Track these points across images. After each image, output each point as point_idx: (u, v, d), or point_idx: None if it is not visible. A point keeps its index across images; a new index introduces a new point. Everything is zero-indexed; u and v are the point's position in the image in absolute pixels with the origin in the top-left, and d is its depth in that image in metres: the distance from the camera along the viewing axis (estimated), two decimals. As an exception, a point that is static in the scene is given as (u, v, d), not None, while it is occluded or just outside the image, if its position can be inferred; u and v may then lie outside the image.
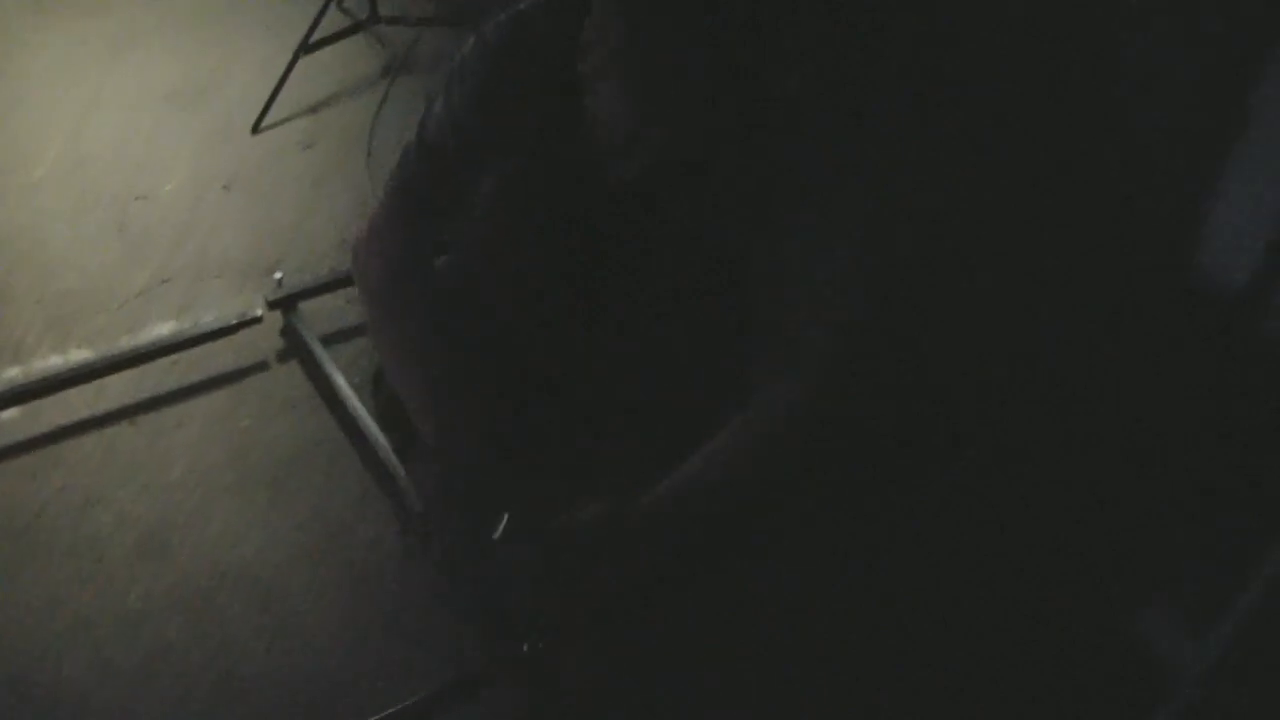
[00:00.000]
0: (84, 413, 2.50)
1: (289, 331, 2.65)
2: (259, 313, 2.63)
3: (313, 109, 3.28)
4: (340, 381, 2.51)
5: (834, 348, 1.59)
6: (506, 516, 1.65)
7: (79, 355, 2.59)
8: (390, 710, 1.98)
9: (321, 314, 2.69)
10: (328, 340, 2.63)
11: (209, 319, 2.64)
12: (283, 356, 2.64)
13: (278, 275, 2.66)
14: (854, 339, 1.61)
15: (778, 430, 1.59)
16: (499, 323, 1.88)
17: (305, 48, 3.17)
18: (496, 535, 1.65)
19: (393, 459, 2.33)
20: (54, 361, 2.58)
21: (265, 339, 2.65)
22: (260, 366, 2.61)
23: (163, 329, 2.65)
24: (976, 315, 2.31)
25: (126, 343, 2.61)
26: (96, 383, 2.54)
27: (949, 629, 2.06)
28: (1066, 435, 2.35)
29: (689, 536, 1.65)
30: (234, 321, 2.61)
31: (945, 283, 2.19)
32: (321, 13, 3.18)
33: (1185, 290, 2.66)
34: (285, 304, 2.65)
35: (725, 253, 1.67)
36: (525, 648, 1.88)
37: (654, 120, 1.58)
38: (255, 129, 3.20)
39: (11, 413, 2.47)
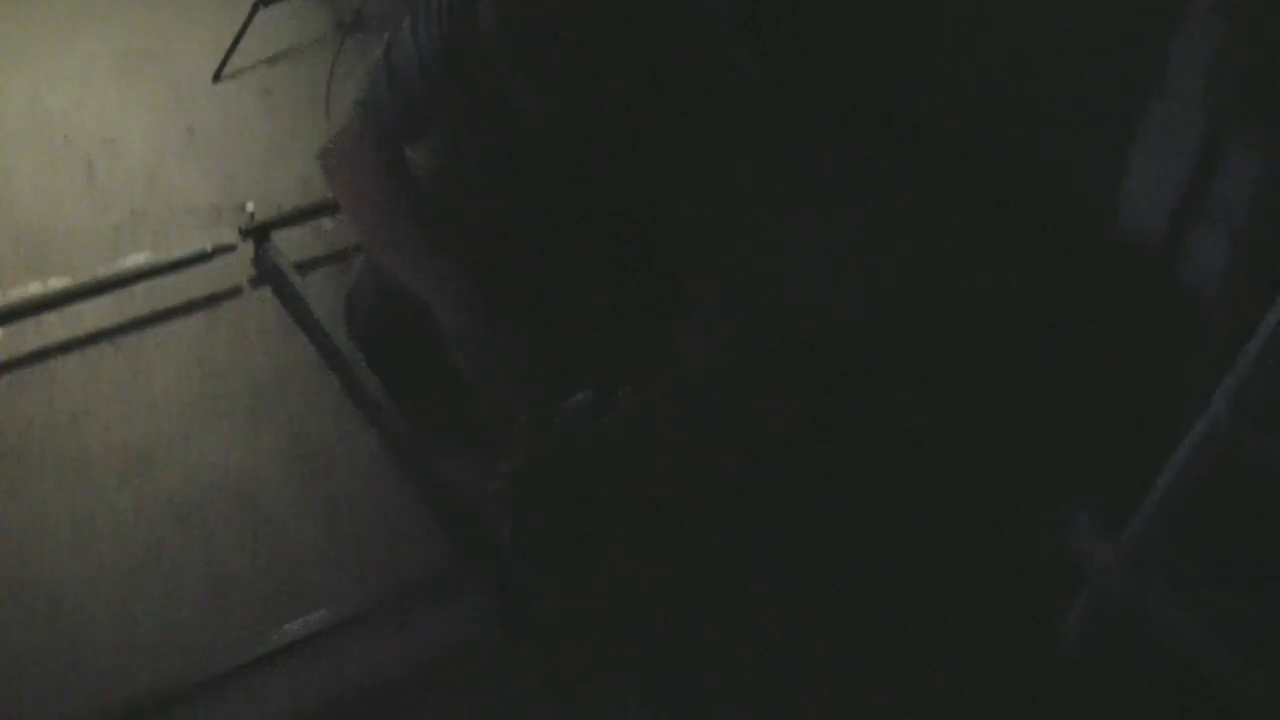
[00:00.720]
0: (65, 336, 2.60)
1: (261, 260, 2.77)
2: (232, 241, 2.74)
3: (270, 60, 3.42)
4: (313, 305, 2.63)
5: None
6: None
7: (58, 282, 2.68)
8: (367, 604, 2.11)
9: (292, 243, 2.81)
10: (299, 268, 2.74)
11: (182, 250, 2.74)
12: (255, 283, 2.75)
13: (249, 206, 2.77)
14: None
15: (713, 343, 1.98)
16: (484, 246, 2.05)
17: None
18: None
19: (365, 374, 2.46)
20: (32, 286, 2.66)
21: (237, 267, 2.77)
22: (233, 293, 2.74)
23: (138, 260, 2.75)
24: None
25: (103, 270, 2.69)
26: (76, 310, 2.64)
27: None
28: (1006, 371, 2.55)
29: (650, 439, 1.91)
30: (209, 249, 2.71)
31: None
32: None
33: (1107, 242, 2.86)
34: (257, 233, 2.77)
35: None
36: (500, 541, 2.04)
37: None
38: (216, 78, 3.32)
39: (-5, 336, 2.57)
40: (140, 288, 2.70)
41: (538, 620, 2.15)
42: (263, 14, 3.34)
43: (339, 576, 2.22)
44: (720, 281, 2.03)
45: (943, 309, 2.87)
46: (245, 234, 2.76)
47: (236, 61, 3.35)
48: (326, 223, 2.88)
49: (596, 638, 2.17)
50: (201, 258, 2.72)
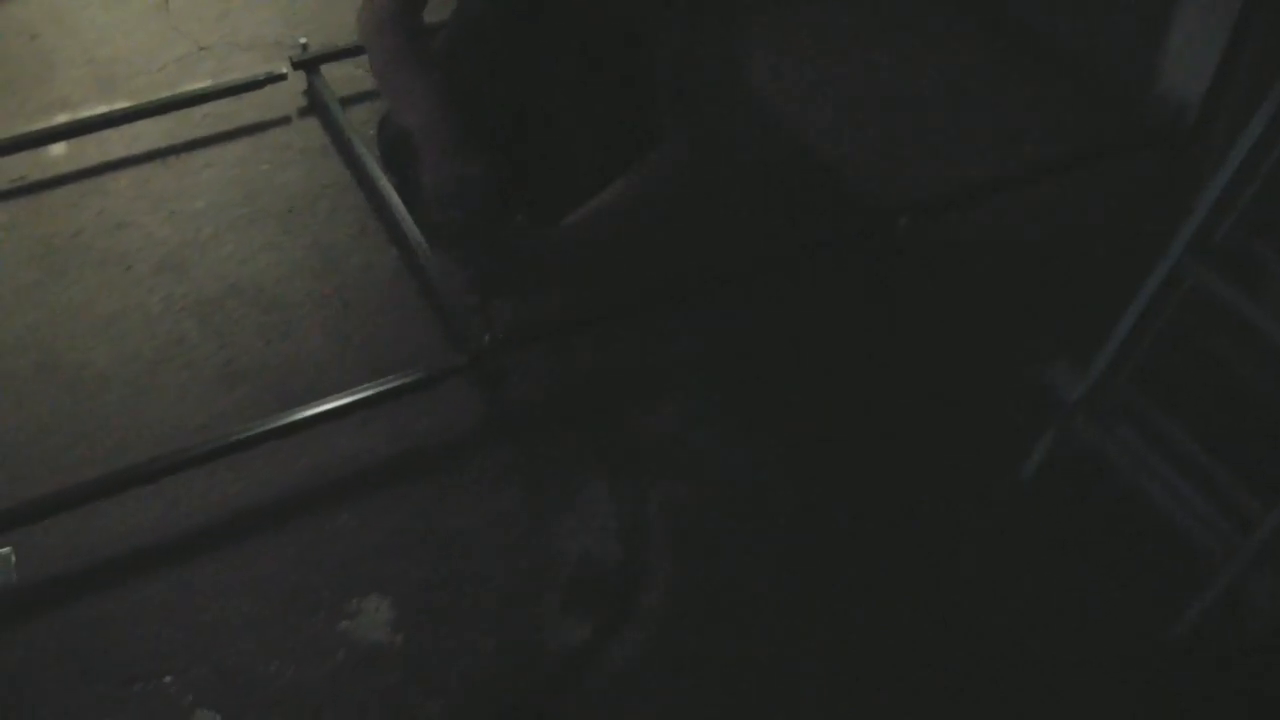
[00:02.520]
0: (122, 153, 2.80)
1: (310, 92, 2.93)
2: (284, 70, 2.90)
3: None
4: (352, 135, 2.78)
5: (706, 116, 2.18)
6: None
7: (121, 104, 2.87)
8: (362, 386, 2.27)
9: (342, 80, 2.96)
10: (345, 101, 2.90)
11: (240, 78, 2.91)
12: (303, 113, 2.91)
13: (303, 40, 2.92)
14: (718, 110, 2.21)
15: (662, 173, 2.16)
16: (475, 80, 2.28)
17: None
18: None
19: (392, 197, 2.61)
20: (99, 108, 2.86)
21: (289, 99, 2.93)
22: (282, 121, 2.90)
23: (196, 85, 2.92)
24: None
25: (163, 95, 2.88)
26: (134, 129, 2.83)
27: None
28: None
29: (597, 238, 2.13)
30: (261, 77, 2.87)
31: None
32: None
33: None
34: (308, 66, 2.92)
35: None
36: (486, 337, 2.18)
37: None
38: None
39: (59, 149, 2.77)
40: (195, 112, 2.87)
41: (514, 412, 2.29)
42: None
43: (344, 370, 2.39)
44: (695, 105, 2.15)
45: (941, 138, 2.93)
46: (297, 65, 2.91)
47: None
48: (377, 61, 2.99)
49: (567, 426, 2.30)
50: (254, 84, 2.88)
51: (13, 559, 2.02)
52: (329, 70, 2.92)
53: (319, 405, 2.20)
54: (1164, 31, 2.96)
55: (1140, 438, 2.20)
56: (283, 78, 2.88)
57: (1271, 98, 1.92)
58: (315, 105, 2.90)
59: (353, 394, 2.23)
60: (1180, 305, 2.11)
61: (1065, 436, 2.23)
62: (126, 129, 2.81)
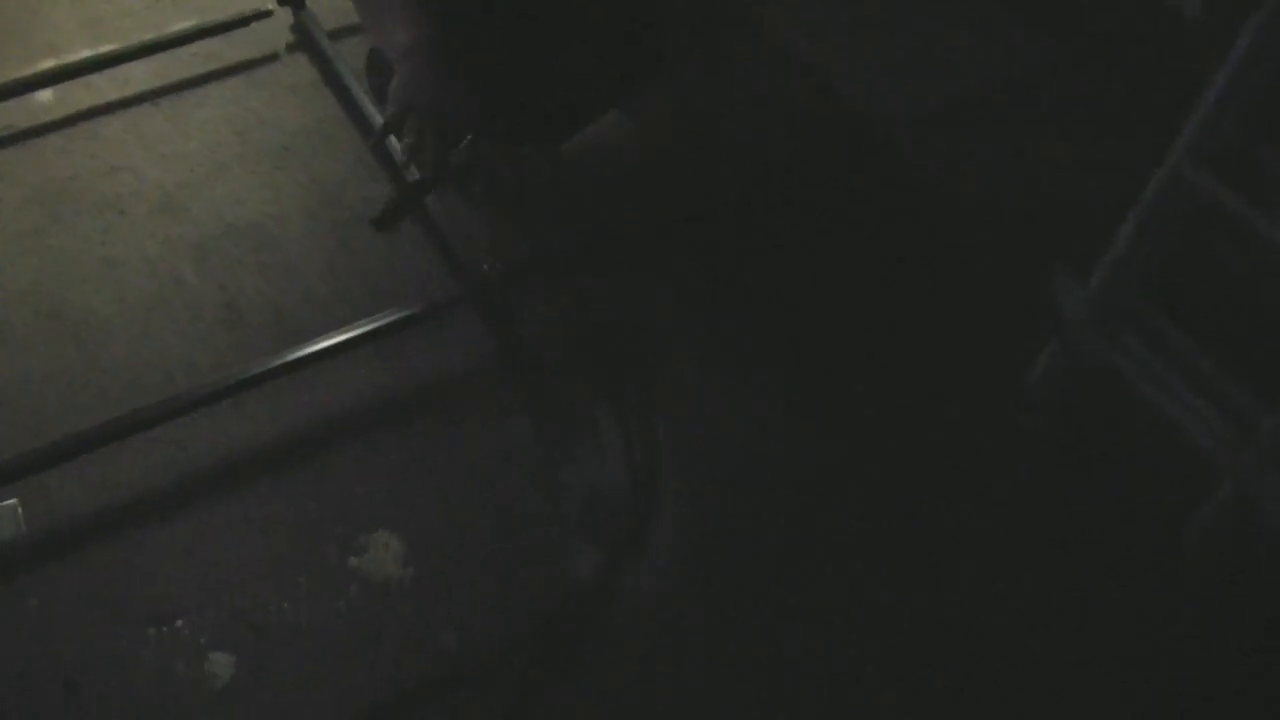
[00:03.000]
0: (111, 97, 2.77)
1: (298, 27, 2.90)
2: (270, 6, 2.86)
3: None
4: (342, 69, 2.75)
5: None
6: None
7: (107, 48, 2.84)
8: (364, 320, 2.26)
9: (328, 12, 2.92)
10: (334, 34, 2.86)
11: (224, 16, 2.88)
12: (291, 49, 2.89)
13: (288, -25, 2.88)
14: None
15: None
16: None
17: None
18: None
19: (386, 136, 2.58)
20: (84, 52, 2.83)
21: (277, 34, 2.90)
22: (271, 58, 2.87)
23: (183, 25, 2.89)
24: None
25: (150, 36, 2.85)
26: (123, 72, 2.80)
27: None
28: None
29: None
30: (247, 14, 2.84)
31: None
32: None
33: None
34: (294, 1, 2.88)
35: None
36: (485, 267, 2.16)
37: None
38: None
39: (46, 95, 2.75)
40: (183, 53, 2.84)
41: (520, 347, 2.29)
42: None
43: (345, 307, 2.38)
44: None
45: (948, 54, 2.90)
46: (283, 2, 2.86)
47: None
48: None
49: (574, 361, 2.29)
50: (240, 22, 2.84)
51: (19, 510, 2.02)
52: (316, 4, 2.89)
53: (320, 342, 2.20)
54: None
55: (1145, 347, 2.19)
56: (268, 14, 2.86)
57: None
58: (303, 40, 2.88)
59: (354, 329, 2.23)
60: (1183, 212, 2.08)
61: (1070, 348, 2.22)
62: (114, 72, 2.79)
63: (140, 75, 2.78)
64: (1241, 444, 2.00)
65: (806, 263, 2.47)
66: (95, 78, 2.76)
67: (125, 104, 2.74)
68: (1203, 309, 2.29)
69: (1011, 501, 2.16)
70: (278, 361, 2.17)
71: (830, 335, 2.35)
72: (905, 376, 2.30)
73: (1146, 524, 2.11)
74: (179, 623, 1.94)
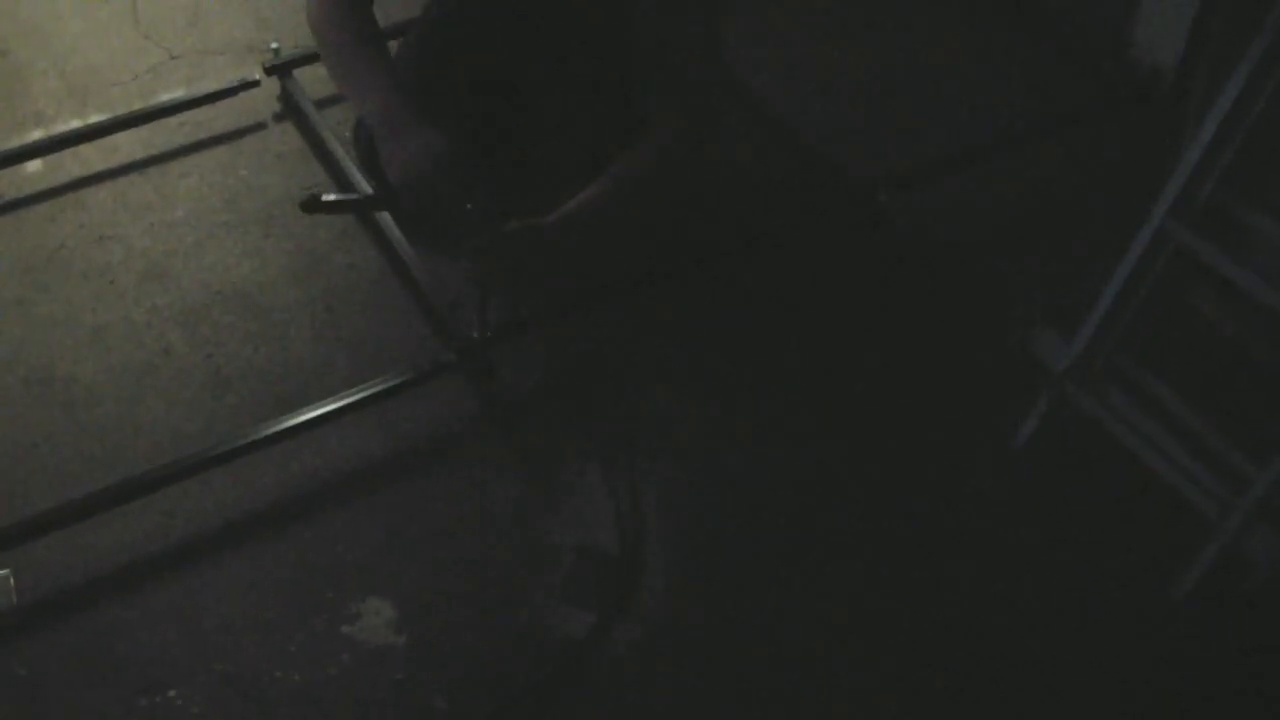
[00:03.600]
0: (99, 167, 2.78)
1: (285, 97, 2.92)
2: (257, 77, 2.89)
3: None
4: (328, 137, 2.78)
5: (691, 105, 2.27)
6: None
7: (95, 118, 2.86)
8: (353, 390, 2.27)
9: (316, 82, 2.95)
10: (320, 104, 2.89)
11: (211, 86, 2.90)
12: (278, 118, 2.91)
13: (274, 45, 2.92)
14: (702, 99, 2.31)
15: (655, 158, 2.24)
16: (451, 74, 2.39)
17: None
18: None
19: (373, 203, 2.60)
20: (73, 123, 2.85)
21: (263, 103, 2.93)
22: (258, 127, 2.89)
23: (171, 97, 2.91)
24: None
25: (137, 106, 2.87)
26: (111, 141, 2.82)
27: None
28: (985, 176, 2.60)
29: (589, 229, 2.18)
30: (234, 84, 2.87)
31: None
32: None
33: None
34: (281, 70, 2.91)
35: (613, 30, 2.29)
36: (475, 335, 2.18)
37: None
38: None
39: (35, 165, 2.76)
40: (171, 122, 2.87)
41: (506, 405, 2.30)
42: None
43: (333, 373, 2.39)
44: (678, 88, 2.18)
45: (924, 111, 2.94)
46: (270, 70, 2.89)
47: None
48: (351, 62, 2.98)
49: (560, 418, 2.30)
50: (227, 93, 2.87)
51: (11, 580, 2.02)
52: (303, 73, 2.91)
53: (310, 411, 2.21)
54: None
55: (1131, 402, 2.21)
56: (256, 84, 2.87)
57: (1248, 57, 1.93)
58: (290, 109, 2.90)
59: (343, 398, 2.23)
60: (1166, 268, 2.11)
61: (1056, 404, 2.23)
62: (102, 142, 2.80)
63: (127, 144, 2.80)
64: (1230, 498, 2.01)
65: (783, 319, 2.49)
66: (83, 147, 2.78)
67: (113, 174, 2.76)
68: (1189, 364, 2.31)
69: (1011, 502, 2.19)
70: (266, 431, 2.17)
71: (813, 397, 2.36)
72: (891, 438, 2.31)
73: (1137, 580, 2.11)
74: (171, 692, 1.93)
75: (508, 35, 2.32)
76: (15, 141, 2.78)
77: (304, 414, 2.20)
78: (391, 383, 2.26)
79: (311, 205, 2.13)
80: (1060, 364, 2.21)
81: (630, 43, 2.27)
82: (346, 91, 2.28)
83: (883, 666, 2.03)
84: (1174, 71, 2.95)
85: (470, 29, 2.35)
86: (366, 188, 2.58)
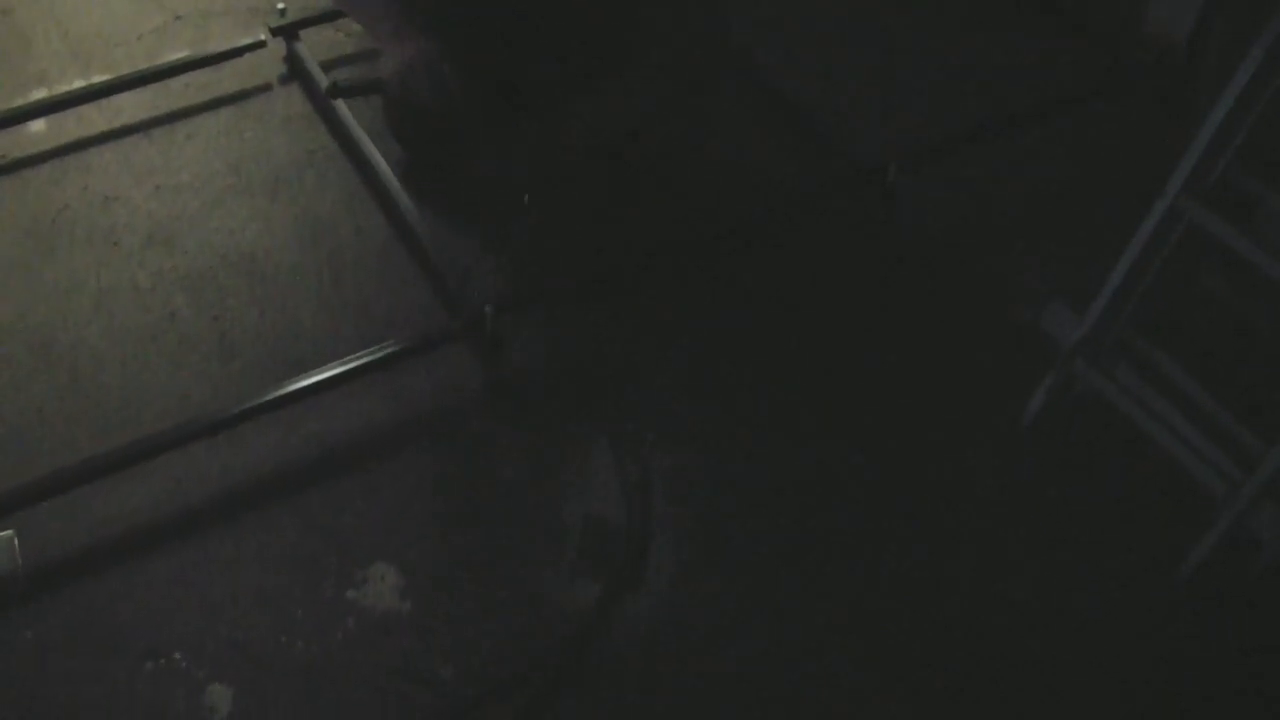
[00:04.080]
0: (103, 127, 2.76)
1: (291, 58, 2.90)
2: (263, 38, 2.86)
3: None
4: (336, 101, 2.75)
5: None
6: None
7: (99, 80, 2.83)
8: (360, 353, 2.25)
9: (321, 44, 2.93)
10: (326, 65, 2.87)
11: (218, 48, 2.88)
12: (284, 80, 2.88)
13: (280, 5, 2.89)
14: None
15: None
16: None
17: None
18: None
19: (380, 163, 2.59)
20: (76, 84, 2.82)
21: (269, 65, 2.90)
22: (264, 89, 2.87)
23: (176, 57, 2.89)
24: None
25: (141, 67, 2.84)
26: (115, 103, 2.80)
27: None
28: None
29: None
30: (240, 46, 2.84)
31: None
32: None
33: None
34: (287, 32, 2.89)
35: None
36: (486, 309, 2.16)
37: None
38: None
39: (39, 125, 2.74)
40: (175, 83, 2.84)
41: (514, 378, 2.29)
42: None
43: (339, 338, 2.38)
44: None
45: (932, 90, 2.92)
46: (275, 32, 2.87)
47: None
48: (356, 24, 2.97)
49: (567, 395, 2.29)
50: (233, 53, 2.85)
51: (16, 542, 2.00)
52: (308, 35, 2.89)
53: (315, 375, 2.19)
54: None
55: (1140, 379, 2.21)
56: (262, 45, 2.85)
57: (1269, 32, 1.91)
58: (296, 71, 2.88)
59: (347, 362, 2.22)
60: (1178, 245, 2.10)
61: (1065, 380, 2.23)
62: (106, 103, 2.78)
63: (132, 106, 2.78)
64: (1238, 477, 2.01)
65: (791, 297, 2.48)
66: (87, 108, 2.76)
67: (117, 135, 2.74)
68: (1199, 342, 2.30)
69: (1011, 502, 2.18)
70: (272, 395, 2.16)
71: (821, 371, 2.36)
72: (901, 411, 2.31)
73: (1144, 558, 2.11)
74: (176, 655, 1.93)
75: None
76: (18, 101, 2.74)
77: (309, 377, 2.19)
78: (397, 348, 2.25)
79: (334, 91, 2.42)
80: (1070, 339, 2.20)
81: None
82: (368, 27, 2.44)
83: (883, 666, 2.02)
84: (1186, 47, 2.92)
85: None
86: (374, 151, 2.57)
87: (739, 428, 2.28)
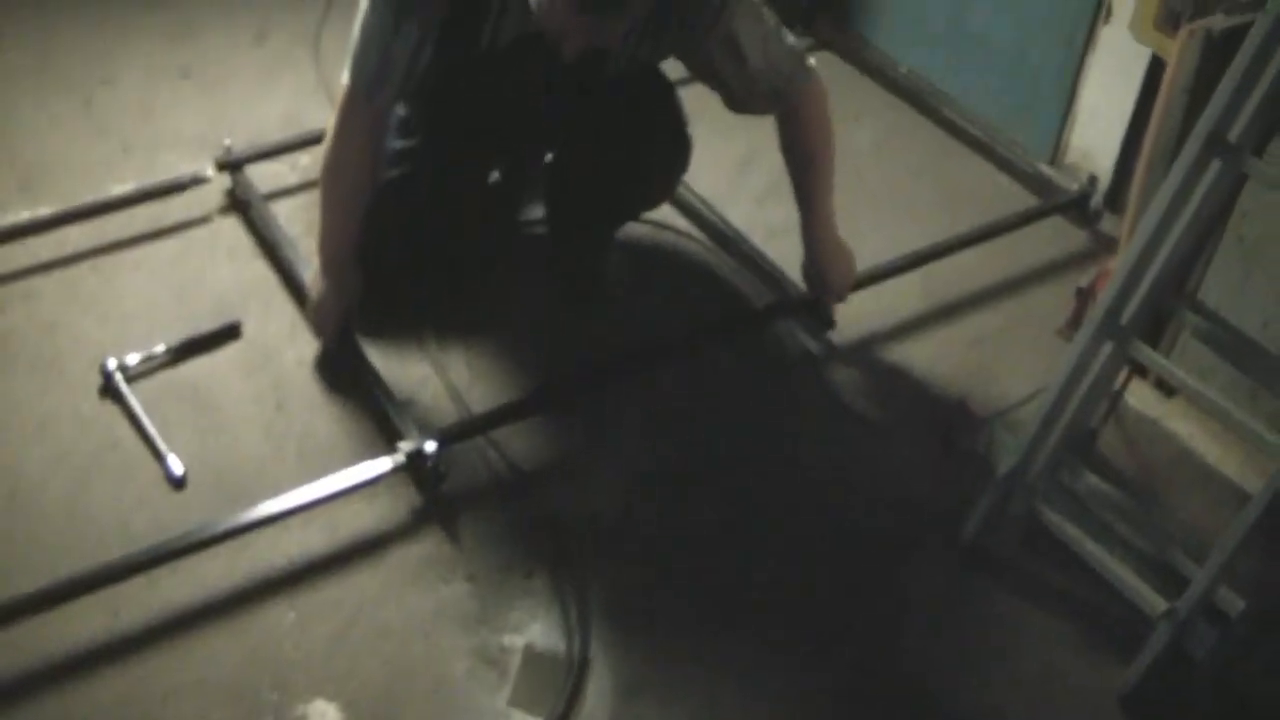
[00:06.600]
0: (48, 257, 2.79)
1: (235, 192, 2.94)
2: (209, 173, 2.91)
3: (266, 7, 3.58)
4: (276, 233, 2.80)
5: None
6: None
7: (45, 210, 2.86)
8: (302, 487, 2.27)
9: (267, 176, 2.98)
10: (270, 197, 2.91)
11: (163, 179, 2.92)
12: (227, 212, 2.93)
13: (227, 141, 2.94)
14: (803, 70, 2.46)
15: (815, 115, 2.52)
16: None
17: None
18: None
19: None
20: (23, 214, 2.85)
21: (214, 198, 2.94)
22: (208, 220, 2.91)
23: (121, 188, 2.93)
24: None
25: (88, 199, 2.88)
26: (61, 234, 2.82)
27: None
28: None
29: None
30: (186, 179, 2.89)
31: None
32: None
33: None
34: (233, 166, 2.93)
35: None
36: (425, 445, 2.17)
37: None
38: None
39: (-17, 257, 2.75)
40: (121, 214, 2.86)
41: (453, 503, 2.30)
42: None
43: (282, 468, 2.39)
44: None
45: (863, 221, 3.00)
46: (221, 167, 2.92)
47: (238, 9, 3.53)
48: (303, 158, 3.02)
49: (508, 520, 2.31)
50: (179, 187, 2.88)
51: (-51, 675, 1.98)
52: (253, 169, 2.93)
53: (258, 510, 2.20)
54: (1072, 108, 3.06)
55: (1072, 501, 2.25)
56: (207, 180, 2.89)
57: (1174, 171, 1.99)
58: (240, 204, 2.91)
59: (292, 498, 2.23)
60: (1104, 370, 2.17)
61: (1000, 502, 2.27)
62: (52, 234, 2.78)
63: (78, 236, 2.82)
64: (1172, 596, 2.05)
65: (732, 416, 2.52)
66: (32, 239, 2.76)
67: (63, 263, 2.77)
68: (1130, 459, 2.35)
69: (947, 618, 2.24)
70: (214, 530, 2.17)
71: (761, 489, 2.40)
72: (840, 530, 2.34)
73: (1080, 676, 2.13)
74: (111, 794, 1.90)
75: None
76: (-35, 231, 2.76)
77: (252, 513, 2.20)
78: (341, 486, 2.27)
79: None
80: (1004, 466, 2.24)
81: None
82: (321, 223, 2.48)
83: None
84: (1111, 178, 3.03)
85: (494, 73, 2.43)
86: (309, 285, 2.62)
87: (687, 538, 2.29)
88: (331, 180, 2.42)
